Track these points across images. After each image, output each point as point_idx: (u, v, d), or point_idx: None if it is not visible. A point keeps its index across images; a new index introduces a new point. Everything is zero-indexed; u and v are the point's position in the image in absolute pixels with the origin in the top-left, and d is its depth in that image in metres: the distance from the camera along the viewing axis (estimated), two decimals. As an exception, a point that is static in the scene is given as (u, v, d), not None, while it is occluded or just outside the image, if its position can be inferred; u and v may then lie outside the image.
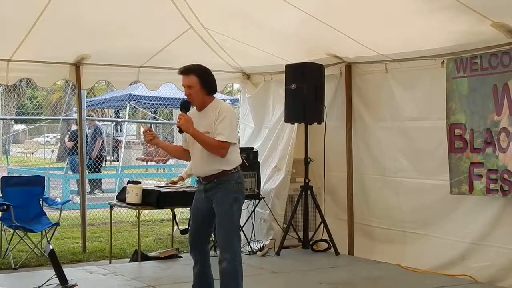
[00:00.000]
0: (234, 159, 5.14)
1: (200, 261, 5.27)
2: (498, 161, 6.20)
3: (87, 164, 13.92)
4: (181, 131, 5.09)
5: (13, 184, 8.39)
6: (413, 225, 7.28)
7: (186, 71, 5.09)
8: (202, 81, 5.05)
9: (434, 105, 6.92)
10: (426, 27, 6.32)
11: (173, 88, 12.74)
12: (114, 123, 24.30)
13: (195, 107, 5.21)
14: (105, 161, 18.00)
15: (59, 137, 20.47)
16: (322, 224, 7.96)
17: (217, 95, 5.35)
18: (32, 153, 28.10)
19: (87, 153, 13.52)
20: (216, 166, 5.06)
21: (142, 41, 7.97)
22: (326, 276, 6.81)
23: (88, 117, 13.70)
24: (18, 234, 7.97)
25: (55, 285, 5.43)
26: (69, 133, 13.96)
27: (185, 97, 5.17)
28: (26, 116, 27.98)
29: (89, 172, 13.63)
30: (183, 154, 5.42)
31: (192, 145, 5.17)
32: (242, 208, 8.30)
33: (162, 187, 7.78)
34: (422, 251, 7.12)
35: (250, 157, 8.04)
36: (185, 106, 5.15)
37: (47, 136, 29.60)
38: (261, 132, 9.10)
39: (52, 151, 23.30)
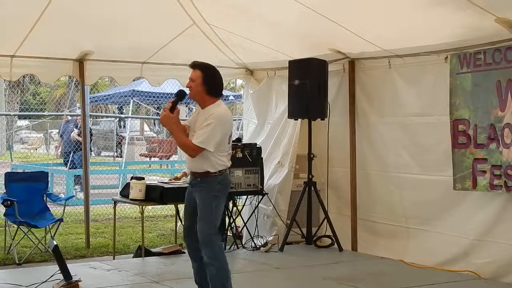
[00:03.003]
0: (218, 164, 5.21)
1: (195, 255, 5.36)
2: (502, 157, 6.20)
3: (72, 161, 14.01)
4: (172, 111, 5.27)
5: (17, 179, 8.41)
6: (416, 220, 7.28)
7: (192, 65, 5.33)
8: (204, 77, 5.23)
9: (437, 100, 6.91)
10: (429, 23, 6.31)
11: (176, 84, 12.70)
12: (118, 119, 24.32)
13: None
14: None
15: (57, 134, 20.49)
16: (325, 220, 7.96)
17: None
18: (36, 149, 28.13)
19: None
20: (201, 165, 5.21)
21: (145, 37, 7.97)
22: (329, 271, 6.81)
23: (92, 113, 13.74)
24: (22, 230, 7.99)
25: (59, 280, 5.46)
26: (77, 129, 13.99)
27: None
28: (29, 112, 28.00)
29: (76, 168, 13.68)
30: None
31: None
32: (246, 205, 8.40)
33: (166, 183, 7.79)
34: (425, 247, 7.12)
35: (253, 153, 8.04)
36: (180, 94, 5.36)
37: (50, 132, 29.61)
38: (264, 128, 9.10)
39: (56, 147, 23.32)
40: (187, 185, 7.59)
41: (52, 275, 5.71)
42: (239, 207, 8.40)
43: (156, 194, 7.34)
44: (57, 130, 24.91)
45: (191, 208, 5.35)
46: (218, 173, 5.21)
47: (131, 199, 7.43)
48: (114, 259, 7.75)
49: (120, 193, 8.03)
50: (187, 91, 5.37)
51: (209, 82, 5.24)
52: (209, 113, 5.15)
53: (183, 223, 8.13)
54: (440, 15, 6.06)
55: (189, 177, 8.15)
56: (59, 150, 15.43)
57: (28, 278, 6.05)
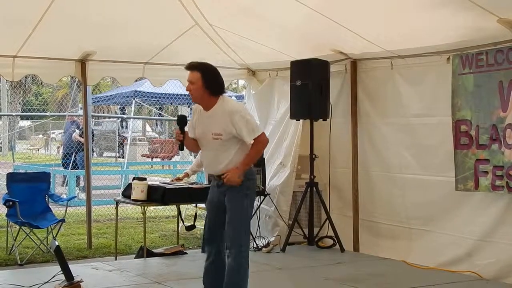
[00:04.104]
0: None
1: (213, 256, 5.21)
2: (504, 158, 6.19)
3: (74, 161, 14.02)
4: (181, 148, 5.29)
5: (19, 180, 8.41)
6: (418, 221, 7.28)
7: (190, 67, 5.07)
8: (205, 79, 4.99)
9: (439, 101, 6.91)
10: (431, 23, 6.31)
11: (178, 85, 12.75)
12: (120, 120, 24.33)
13: (200, 106, 5.14)
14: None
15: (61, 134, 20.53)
16: (327, 221, 7.96)
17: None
18: (38, 150, 28.15)
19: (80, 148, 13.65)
20: (227, 165, 5.03)
21: (147, 37, 7.98)
22: (331, 272, 6.81)
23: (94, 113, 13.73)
24: (24, 230, 8.00)
25: (61, 281, 5.45)
26: (79, 130, 14.02)
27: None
28: (31, 112, 28.05)
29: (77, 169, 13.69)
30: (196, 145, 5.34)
31: (206, 145, 5.14)
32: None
33: (168, 183, 7.79)
34: (428, 248, 7.12)
35: (255, 153, 8.03)
36: (182, 121, 5.22)
37: (52, 133, 29.65)
38: (266, 128, 9.08)
39: (58, 147, 23.35)
40: (188, 186, 7.68)
41: (54, 276, 5.71)
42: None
43: (158, 195, 7.33)
44: (60, 131, 24.96)
45: (216, 206, 5.14)
46: None
47: (133, 200, 7.42)
48: (116, 259, 7.74)
49: (122, 194, 8.03)
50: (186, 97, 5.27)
51: (210, 83, 5.00)
52: (225, 113, 4.96)
53: (185, 224, 8.21)
54: (442, 15, 6.06)
55: (191, 177, 8.24)
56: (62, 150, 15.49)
57: (30, 279, 6.05)
